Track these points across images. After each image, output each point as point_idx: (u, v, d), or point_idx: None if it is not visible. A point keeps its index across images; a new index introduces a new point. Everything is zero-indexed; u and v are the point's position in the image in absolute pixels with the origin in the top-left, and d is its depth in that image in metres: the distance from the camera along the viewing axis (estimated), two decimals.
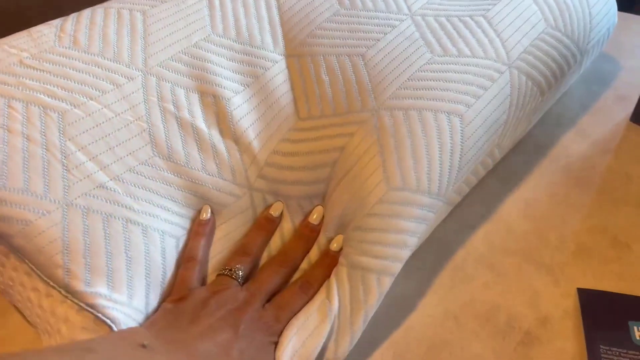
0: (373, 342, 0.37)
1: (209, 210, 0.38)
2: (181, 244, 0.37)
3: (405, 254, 0.37)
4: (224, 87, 0.41)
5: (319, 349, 0.34)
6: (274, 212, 0.40)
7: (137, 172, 0.36)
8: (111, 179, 0.35)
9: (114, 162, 0.36)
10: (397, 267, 0.37)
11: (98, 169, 0.35)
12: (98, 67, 0.39)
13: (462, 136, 0.39)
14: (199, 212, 0.38)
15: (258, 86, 0.42)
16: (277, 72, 0.43)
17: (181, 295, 0.34)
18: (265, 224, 0.40)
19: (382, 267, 0.36)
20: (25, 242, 0.32)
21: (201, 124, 0.39)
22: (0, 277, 0.36)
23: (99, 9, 0.43)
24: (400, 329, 0.38)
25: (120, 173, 0.36)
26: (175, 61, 0.41)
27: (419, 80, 0.41)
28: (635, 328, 0.37)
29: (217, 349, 0.30)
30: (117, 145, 0.37)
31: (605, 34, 0.53)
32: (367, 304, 0.35)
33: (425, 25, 0.45)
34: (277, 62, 0.43)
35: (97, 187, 0.35)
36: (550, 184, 0.47)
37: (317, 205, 0.40)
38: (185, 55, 0.42)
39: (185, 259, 0.36)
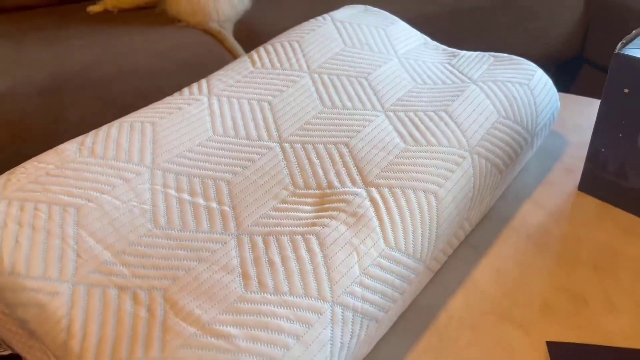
0: None
1: None
2: None
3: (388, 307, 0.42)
4: (223, 171, 0.47)
5: None
6: None
7: (136, 244, 0.41)
8: (113, 255, 0.40)
9: (117, 240, 0.41)
10: (382, 316, 0.41)
11: (102, 248, 0.40)
12: (110, 169, 0.46)
13: (437, 210, 0.45)
14: None
15: (254, 167, 0.48)
16: (272, 156, 0.49)
17: None
18: None
19: (370, 314, 0.41)
20: (38, 326, 0.36)
21: (200, 200, 0.45)
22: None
23: (115, 124, 0.50)
24: None
25: (122, 248, 0.41)
26: (180, 157, 0.48)
27: (397, 165, 0.48)
28: None
29: None
30: (121, 226, 0.42)
31: (551, 118, 0.61)
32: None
33: (397, 120, 0.53)
34: (271, 149, 0.50)
35: (100, 264, 0.39)
36: (515, 251, 0.54)
37: None
38: (189, 152, 0.48)
39: None
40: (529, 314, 0.48)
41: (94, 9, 1.26)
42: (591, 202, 0.59)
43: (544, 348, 0.45)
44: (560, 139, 0.69)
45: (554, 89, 0.62)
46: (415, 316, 0.48)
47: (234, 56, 1.08)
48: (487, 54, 0.65)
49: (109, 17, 1.22)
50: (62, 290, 0.38)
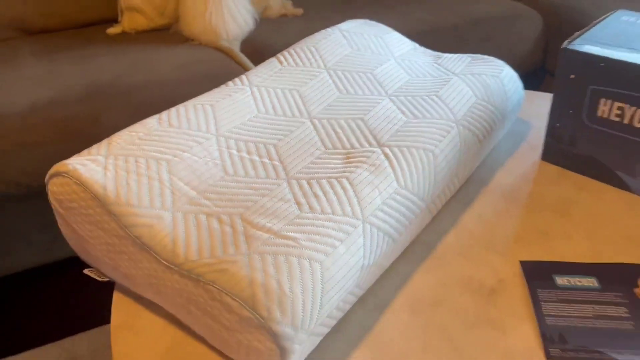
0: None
1: None
2: None
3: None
4: (269, 138, 0.61)
5: None
6: None
7: (214, 186, 0.55)
8: (198, 193, 0.54)
9: (199, 183, 0.55)
10: (396, 236, 0.55)
11: (189, 189, 0.54)
12: (186, 135, 0.60)
13: (434, 163, 0.60)
14: None
15: (293, 136, 0.62)
16: (305, 128, 0.63)
17: None
18: None
19: (389, 232, 0.55)
20: (149, 240, 0.50)
21: (255, 157, 0.59)
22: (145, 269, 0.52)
23: (181, 106, 0.64)
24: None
25: (204, 189, 0.54)
26: (236, 129, 0.62)
27: (402, 132, 0.62)
28: (556, 278, 0.57)
29: None
30: (201, 174, 0.56)
31: (517, 104, 0.77)
32: None
33: (399, 102, 0.68)
34: (303, 123, 0.64)
35: (189, 199, 0.53)
36: (493, 203, 0.69)
37: None
38: (242, 125, 0.63)
39: None
40: (506, 244, 0.62)
41: (113, 30, 1.40)
42: (551, 168, 0.75)
43: (518, 265, 0.59)
44: (526, 125, 0.85)
45: (519, 81, 0.78)
46: (419, 248, 0.62)
47: (245, 69, 1.23)
48: (465, 55, 0.81)
49: (127, 38, 1.37)
50: (165, 216, 0.51)
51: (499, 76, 0.75)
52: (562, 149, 0.72)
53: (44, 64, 1.19)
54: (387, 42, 0.83)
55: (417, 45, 0.86)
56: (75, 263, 1.27)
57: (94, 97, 1.07)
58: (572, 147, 0.71)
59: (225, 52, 1.27)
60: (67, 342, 1.06)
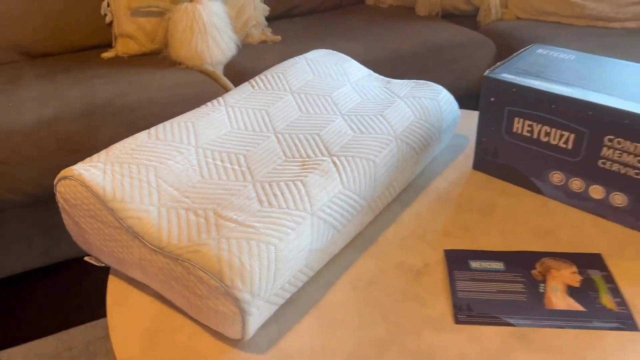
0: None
1: None
2: None
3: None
4: (240, 149, 0.74)
5: None
6: None
7: (192, 187, 0.68)
8: (179, 193, 0.67)
9: (180, 185, 0.68)
10: (340, 228, 0.69)
11: (172, 189, 0.67)
12: (171, 147, 0.73)
13: (375, 170, 0.73)
14: None
15: (260, 147, 0.75)
16: (270, 141, 0.77)
17: None
18: None
19: (334, 225, 0.68)
20: (139, 229, 0.62)
21: (227, 164, 0.72)
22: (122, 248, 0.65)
23: (167, 123, 0.77)
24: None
25: (184, 190, 0.67)
26: (212, 142, 0.75)
27: (349, 145, 0.76)
28: (471, 262, 0.70)
29: None
30: (182, 178, 0.69)
31: (453, 122, 0.91)
32: None
33: (350, 120, 0.81)
34: (269, 137, 0.78)
35: (172, 197, 0.66)
36: (428, 204, 0.82)
37: None
38: (218, 139, 0.76)
39: None
40: (435, 237, 0.76)
41: (107, 55, 1.54)
42: (480, 176, 0.88)
43: (443, 253, 0.73)
44: (465, 140, 0.99)
45: (455, 103, 0.92)
46: (363, 239, 0.75)
47: (226, 90, 1.37)
48: (411, 81, 0.95)
49: (120, 61, 1.50)
50: (152, 210, 0.64)
51: (436, 99, 0.89)
52: (488, 159, 0.86)
53: (46, 84, 1.32)
54: (345, 69, 0.97)
55: (372, 72, 1.00)
56: (71, 266, 1.39)
57: (92, 114, 1.20)
58: (496, 158, 0.85)
59: (210, 75, 1.41)
60: (64, 335, 1.17)
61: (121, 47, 1.53)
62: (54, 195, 1.11)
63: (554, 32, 1.50)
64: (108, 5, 1.54)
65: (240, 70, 1.46)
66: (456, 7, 1.70)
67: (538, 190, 0.83)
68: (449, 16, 1.76)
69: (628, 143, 0.70)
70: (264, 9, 1.64)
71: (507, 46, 1.51)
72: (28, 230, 1.20)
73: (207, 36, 1.42)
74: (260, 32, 1.61)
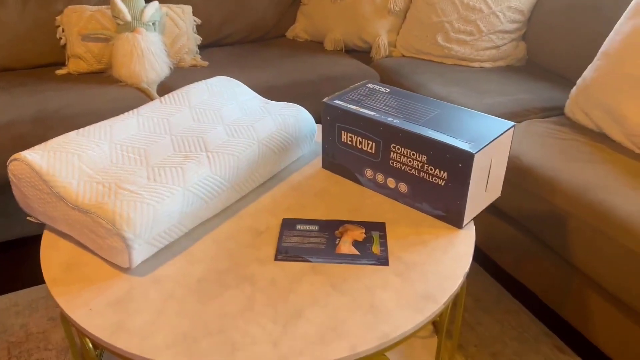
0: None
1: None
2: None
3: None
4: (142, 145, 1.06)
5: None
6: None
7: (103, 169, 0.99)
8: (94, 172, 0.98)
9: (95, 167, 0.99)
10: (207, 200, 1.01)
11: (89, 169, 0.98)
12: (91, 141, 1.04)
13: (238, 162, 1.06)
14: None
15: (157, 144, 1.08)
16: (166, 140, 1.09)
17: None
18: None
19: (201, 197, 1.01)
20: (64, 194, 0.93)
21: (130, 154, 1.04)
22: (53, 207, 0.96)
23: (92, 126, 1.09)
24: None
25: (97, 169, 0.99)
26: (123, 139, 1.07)
27: (223, 144, 1.08)
28: (297, 225, 1.03)
29: None
30: (97, 163, 1.00)
31: (310, 133, 1.25)
32: None
33: (229, 128, 1.14)
34: (165, 137, 1.10)
35: (88, 175, 0.97)
36: (284, 190, 1.15)
37: None
38: (127, 137, 1.08)
39: None
40: (280, 211, 1.08)
41: (60, 72, 1.84)
42: (325, 172, 1.22)
43: (281, 221, 1.05)
44: (319, 146, 1.33)
45: (312, 119, 1.26)
46: (228, 212, 1.08)
47: None
48: (283, 102, 1.29)
49: (71, 78, 1.80)
50: (73, 183, 0.95)
51: (296, 116, 1.23)
52: (329, 160, 1.20)
53: (4, 94, 1.61)
54: (235, 92, 1.30)
55: (257, 95, 1.34)
56: (21, 243, 1.67)
57: (43, 120, 1.49)
58: (334, 159, 1.19)
59: (144, 92, 1.73)
60: (12, 295, 1.45)
61: (72, 66, 1.83)
62: (9, 182, 1.40)
63: (426, 68, 1.87)
64: (63, 30, 1.84)
65: (172, 88, 1.77)
66: (355, 44, 2.06)
67: (359, 182, 1.17)
68: (350, 51, 2.12)
69: (404, 149, 1.05)
70: (197, 39, 1.97)
71: (389, 78, 1.88)
72: None
73: (144, 60, 1.73)
74: (192, 57, 1.93)
